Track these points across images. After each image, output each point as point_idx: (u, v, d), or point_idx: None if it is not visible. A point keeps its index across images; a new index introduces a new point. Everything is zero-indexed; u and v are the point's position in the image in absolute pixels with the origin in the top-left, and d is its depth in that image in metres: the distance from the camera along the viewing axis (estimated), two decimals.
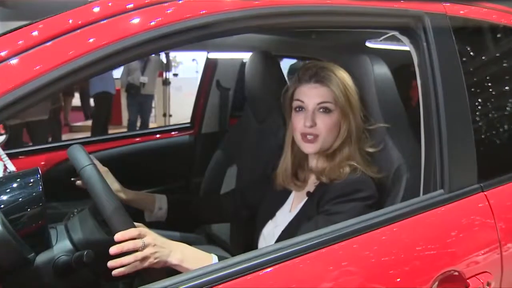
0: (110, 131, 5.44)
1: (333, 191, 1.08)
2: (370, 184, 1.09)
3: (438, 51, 1.04)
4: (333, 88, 1.10)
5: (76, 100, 7.28)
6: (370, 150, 1.16)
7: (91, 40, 0.77)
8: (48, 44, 0.76)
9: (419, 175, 1.07)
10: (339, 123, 1.12)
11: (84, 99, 7.19)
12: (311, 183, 1.18)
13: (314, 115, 1.11)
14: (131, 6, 0.81)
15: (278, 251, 0.84)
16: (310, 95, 1.11)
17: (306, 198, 1.16)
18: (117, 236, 0.87)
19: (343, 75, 1.13)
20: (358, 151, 1.14)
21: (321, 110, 1.11)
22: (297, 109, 1.14)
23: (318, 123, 1.11)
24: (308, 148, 1.12)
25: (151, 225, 1.01)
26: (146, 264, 0.87)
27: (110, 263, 0.86)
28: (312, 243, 0.87)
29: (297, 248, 0.85)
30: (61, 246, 0.95)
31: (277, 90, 1.34)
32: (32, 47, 0.75)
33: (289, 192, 1.23)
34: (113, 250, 0.86)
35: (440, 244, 0.99)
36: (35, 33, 0.77)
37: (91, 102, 6.22)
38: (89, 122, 6.49)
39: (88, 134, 5.65)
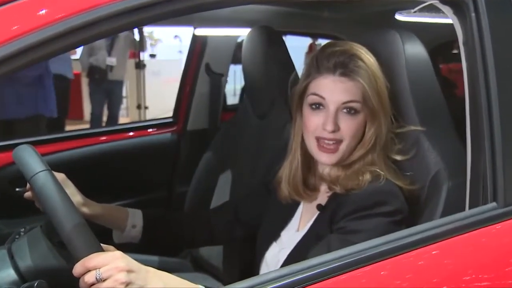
0: (67, 128, 5.43)
1: (350, 204, 1.08)
2: (397, 194, 1.09)
3: (492, 25, 1.02)
4: (364, 84, 1.08)
5: None
6: (398, 157, 1.15)
7: (42, 12, 0.77)
8: None
9: (463, 184, 1.07)
10: (364, 127, 1.12)
11: None
12: (323, 193, 1.18)
13: (337, 116, 1.09)
14: None
15: (283, 278, 0.84)
16: (334, 90, 1.09)
17: (317, 213, 1.16)
18: (77, 269, 0.86)
19: (372, 63, 1.11)
20: (383, 158, 1.14)
21: (345, 110, 1.10)
22: (314, 106, 1.12)
23: (341, 126, 1.09)
24: (325, 158, 1.11)
25: (123, 248, 1.00)
26: None
27: None
28: (328, 267, 0.86)
29: (308, 274, 0.85)
30: (3, 277, 0.94)
31: (282, 77, 1.34)
32: None
33: (296, 205, 1.23)
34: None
35: (496, 273, 0.98)
36: None
37: None
38: None
39: None
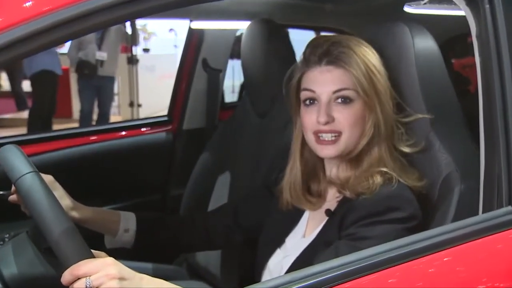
0: (55, 127, 5.43)
1: (361, 209, 1.08)
2: (411, 199, 1.09)
3: (507, 17, 1.02)
4: (352, 70, 1.10)
5: (4, 83, 7.23)
6: (407, 150, 1.16)
7: (28, 4, 0.77)
8: None
9: (477, 186, 1.07)
10: (363, 117, 1.12)
11: (15, 81, 7.12)
12: (332, 198, 1.18)
13: (329, 107, 1.11)
14: None
15: (285, 285, 0.84)
16: (323, 81, 1.11)
17: (326, 219, 1.16)
18: (66, 277, 0.86)
19: (365, 52, 1.12)
20: (389, 150, 1.14)
21: (339, 100, 1.11)
22: (307, 102, 1.14)
23: (336, 117, 1.11)
24: (325, 151, 1.12)
25: (114, 254, 1.00)
26: None
27: None
28: (332, 275, 0.86)
29: (311, 281, 0.85)
30: None
31: (284, 73, 1.34)
32: None
33: (302, 210, 1.23)
34: None
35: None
36: None
37: (26, 85, 6.16)
38: (24, 114, 6.46)
39: (23, 130, 5.63)
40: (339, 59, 1.10)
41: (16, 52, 0.76)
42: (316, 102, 1.12)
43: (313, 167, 1.22)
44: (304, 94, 1.14)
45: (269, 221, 1.30)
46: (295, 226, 1.23)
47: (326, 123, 1.10)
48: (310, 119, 1.12)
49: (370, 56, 1.12)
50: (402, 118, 1.17)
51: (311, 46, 1.15)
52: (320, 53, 1.12)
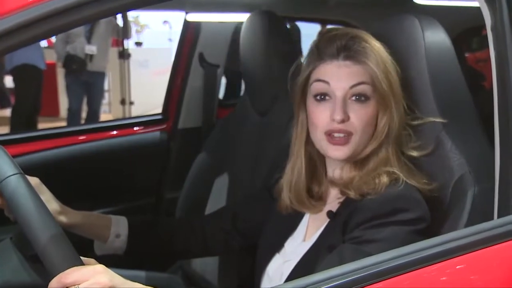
0: (41, 126, 5.43)
1: (366, 210, 1.08)
2: (419, 200, 1.09)
3: None
4: (372, 65, 1.10)
5: None
6: (414, 153, 1.16)
7: None
8: None
9: (491, 189, 1.07)
10: (376, 117, 1.13)
11: None
12: (333, 200, 1.19)
13: (345, 105, 1.11)
14: None
15: None
16: (339, 75, 1.11)
17: (327, 221, 1.17)
18: (53, 286, 0.86)
19: (378, 46, 1.13)
20: (396, 153, 1.14)
21: (355, 97, 1.11)
22: (318, 97, 1.13)
23: (351, 116, 1.11)
24: (336, 152, 1.12)
25: (105, 261, 1.00)
26: None
27: None
28: (335, 283, 0.86)
29: None
30: None
31: (285, 68, 1.34)
32: None
33: (302, 213, 1.24)
34: None
35: None
36: None
37: (8, 81, 6.16)
38: (6, 112, 6.47)
39: (6, 129, 5.63)
40: (359, 54, 1.11)
41: (5, 44, 0.76)
42: (328, 98, 1.12)
43: (315, 167, 1.22)
44: (316, 86, 1.13)
45: (268, 225, 1.31)
46: (295, 229, 1.24)
47: (342, 121, 1.09)
48: (322, 116, 1.12)
49: (385, 54, 1.13)
50: (410, 121, 1.17)
51: (326, 38, 1.14)
52: (338, 47, 1.12)
